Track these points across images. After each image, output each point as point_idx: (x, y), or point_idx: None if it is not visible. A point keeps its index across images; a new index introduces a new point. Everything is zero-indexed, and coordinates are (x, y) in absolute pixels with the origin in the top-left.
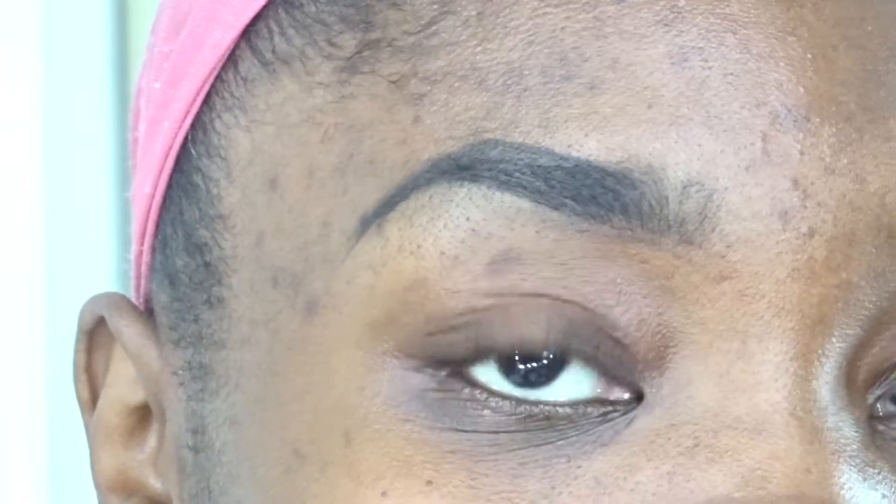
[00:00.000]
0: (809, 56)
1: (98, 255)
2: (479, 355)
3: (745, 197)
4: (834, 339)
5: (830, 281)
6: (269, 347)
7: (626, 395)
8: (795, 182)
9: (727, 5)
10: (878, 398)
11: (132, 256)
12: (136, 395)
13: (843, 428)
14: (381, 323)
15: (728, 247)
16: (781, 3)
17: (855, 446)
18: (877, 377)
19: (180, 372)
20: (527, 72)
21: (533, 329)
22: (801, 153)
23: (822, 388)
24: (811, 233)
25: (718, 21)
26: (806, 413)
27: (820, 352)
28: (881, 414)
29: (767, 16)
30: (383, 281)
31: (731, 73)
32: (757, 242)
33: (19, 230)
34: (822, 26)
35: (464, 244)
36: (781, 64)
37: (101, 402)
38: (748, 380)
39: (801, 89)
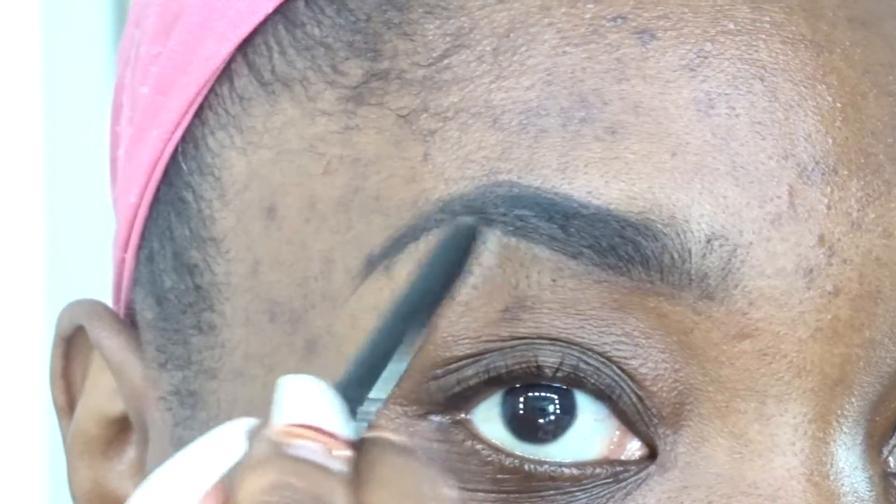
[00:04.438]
0: (839, 105)
1: (98, 255)
2: (487, 388)
3: (770, 253)
4: (853, 399)
5: (853, 340)
6: (264, 384)
7: (639, 452)
8: (822, 238)
9: (755, 50)
10: (893, 448)
11: (114, 262)
12: (116, 407)
13: (859, 489)
14: None
15: (750, 304)
16: (811, 49)
17: None
18: (892, 429)
19: (168, 397)
20: (544, 112)
21: (546, 359)
22: (828, 207)
23: (839, 449)
24: (836, 291)
25: (746, 67)
26: (823, 478)
27: (839, 412)
28: (894, 469)
29: (796, 62)
30: None
31: (759, 122)
32: (780, 300)
33: (19, 230)
34: (852, 73)
35: (476, 290)
36: (810, 113)
37: (78, 412)
38: (765, 442)
39: (830, 140)
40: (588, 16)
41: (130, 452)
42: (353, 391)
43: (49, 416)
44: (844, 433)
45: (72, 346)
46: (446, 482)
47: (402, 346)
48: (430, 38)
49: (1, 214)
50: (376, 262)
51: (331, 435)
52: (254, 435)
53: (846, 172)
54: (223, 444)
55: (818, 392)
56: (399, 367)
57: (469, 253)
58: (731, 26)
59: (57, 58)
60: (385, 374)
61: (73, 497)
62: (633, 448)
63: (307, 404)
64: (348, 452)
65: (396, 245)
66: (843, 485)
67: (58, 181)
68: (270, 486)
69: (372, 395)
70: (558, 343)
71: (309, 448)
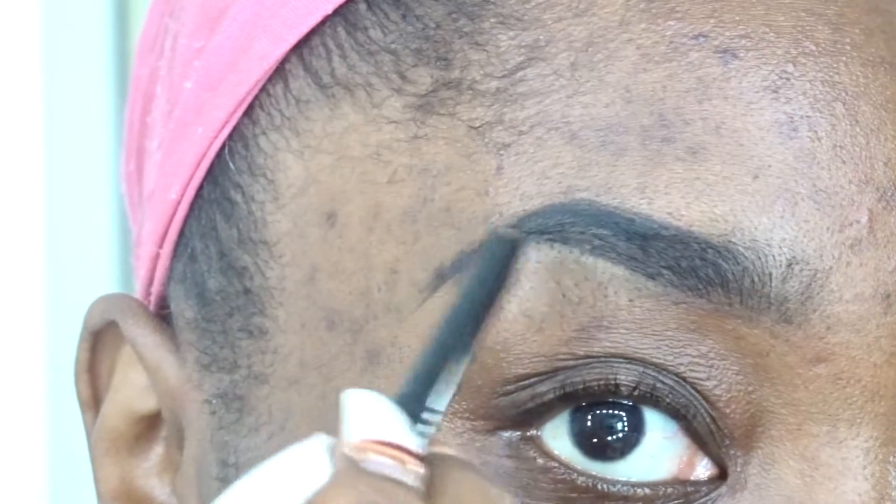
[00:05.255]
0: None
1: (98, 255)
2: (560, 404)
3: (849, 278)
4: None
5: None
6: (321, 393)
7: (709, 472)
8: None
9: (836, 73)
10: None
11: (144, 255)
12: (147, 404)
13: None
14: None
15: (828, 329)
16: (890, 72)
17: None
18: None
19: (212, 400)
20: (623, 130)
21: (624, 378)
22: None
23: None
24: None
25: (828, 90)
26: (894, 502)
27: None
28: None
29: (876, 85)
30: None
31: (840, 146)
32: (858, 325)
33: (19, 230)
34: None
35: (551, 309)
36: (890, 137)
37: (106, 408)
38: (836, 466)
39: None
40: (669, 33)
41: (158, 449)
42: (412, 405)
43: (49, 416)
44: None
45: (99, 339)
46: (511, 500)
47: (455, 359)
48: (504, 49)
49: (1, 214)
50: (446, 276)
51: (402, 449)
52: (333, 452)
53: None
54: (306, 464)
55: (890, 416)
56: (455, 380)
57: (510, 265)
58: (813, 48)
59: (57, 58)
60: (442, 388)
61: (99, 494)
62: (703, 467)
63: (375, 419)
64: (421, 467)
65: (468, 260)
66: None
67: (58, 181)
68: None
69: (432, 407)
70: (634, 362)
71: (383, 463)
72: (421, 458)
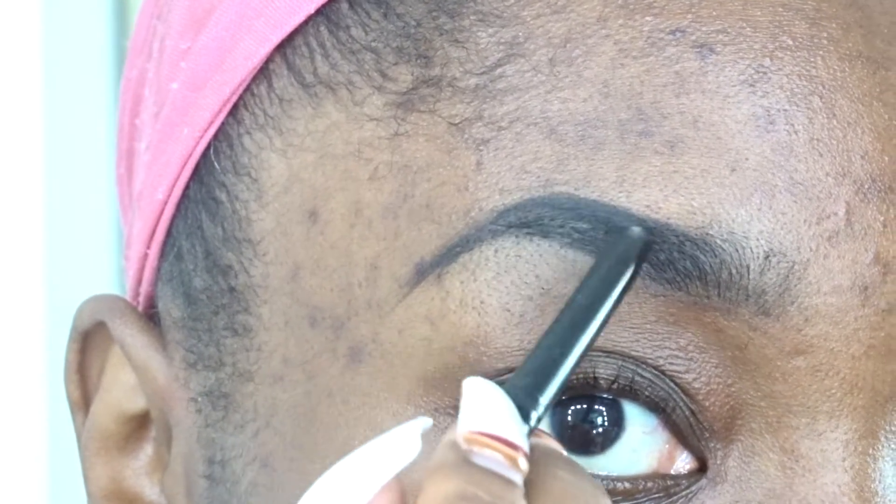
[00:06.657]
0: (895, 123)
1: (98, 255)
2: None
3: (827, 270)
4: None
5: None
6: (305, 390)
7: (689, 465)
8: (877, 256)
9: (813, 66)
10: None
11: (133, 256)
12: (136, 404)
13: None
14: (436, 378)
15: (806, 321)
16: (868, 66)
17: None
18: None
19: (198, 398)
20: (601, 125)
21: (602, 371)
22: (884, 225)
23: (887, 465)
24: (890, 309)
25: (805, 83)
26: (873, 495)
27: (888, 429)
28: None
29: (853, 79)
30: (441, 335)
31: (817, 139)
32: (836, 317)
33: (19, 230)
34: None
35: (532, 302)
36: (867, 131)
37: (96, 408)
38: (816, 458)
39: (886, 158)
40: (646, 28)
41: (148, 449)
42: (521, 399)
43: (49, 416)
44: (893, 449)
45: (89, 340)
46: (608, 499)
47: (570, 355)
48: (483, 46)
49: (1, 214)
50: (427, 271)
51: (513, 446)
52: (428, 435)
53: None
54: (400, 443)
55: (868, 409)
56: (564, 376)
57: (640, 263)
58: (790, 42)
59: (57, 57)
60: (553, 383)
61: (89, 494)
62: (683, 461)
63: (492, 413)
64: (527, 465)
65: (449, 255)
66: (891, 501)
67: (58, 181)
68: (455, 494)
69: (540, 401)
70: (613, 355)
71: (494, 459)
72: (528, 456)
